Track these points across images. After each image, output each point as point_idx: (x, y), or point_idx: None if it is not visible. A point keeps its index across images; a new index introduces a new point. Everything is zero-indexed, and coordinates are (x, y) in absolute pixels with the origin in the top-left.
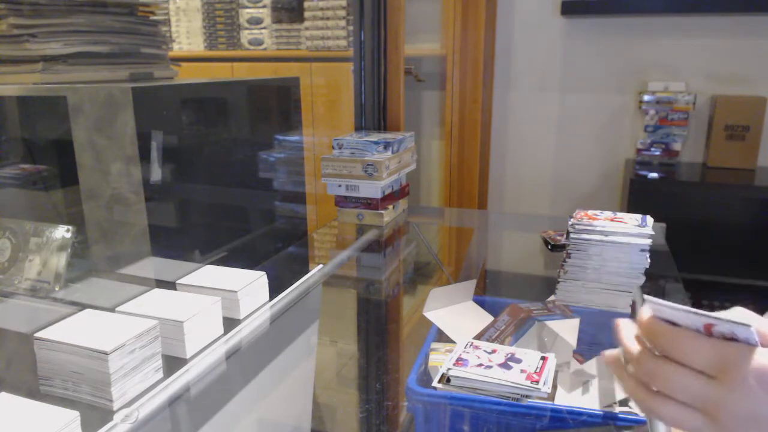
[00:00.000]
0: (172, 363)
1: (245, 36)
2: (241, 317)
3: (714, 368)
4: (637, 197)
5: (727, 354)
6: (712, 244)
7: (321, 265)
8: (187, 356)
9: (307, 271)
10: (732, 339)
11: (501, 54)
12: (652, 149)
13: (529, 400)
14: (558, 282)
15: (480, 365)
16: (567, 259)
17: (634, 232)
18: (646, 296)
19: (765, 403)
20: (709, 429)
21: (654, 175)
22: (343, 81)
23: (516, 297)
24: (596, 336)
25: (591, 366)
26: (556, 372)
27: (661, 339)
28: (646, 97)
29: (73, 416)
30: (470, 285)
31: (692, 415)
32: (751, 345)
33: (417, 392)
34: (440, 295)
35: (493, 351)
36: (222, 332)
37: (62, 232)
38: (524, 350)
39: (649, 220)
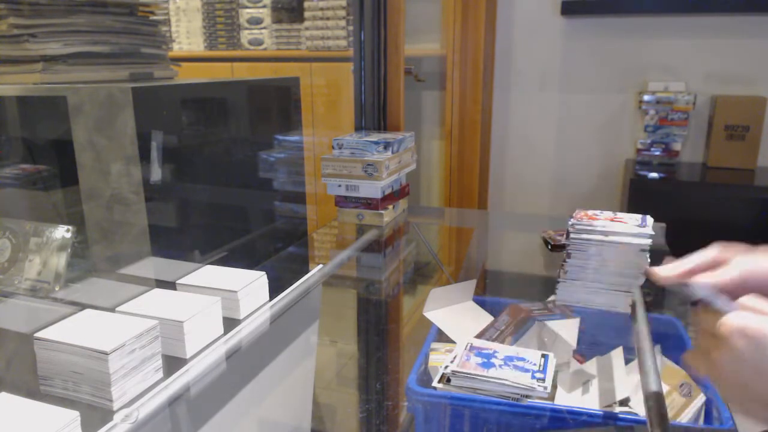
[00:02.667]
0: (172, 363)
1: (245, 36)
2: (241, 317)
3: (716, 331)
4: (637, 197)
5: (717, 323)
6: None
7: (321, 265)
8: (187, 356)
9: (307, 271)
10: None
11: (501, 54)
12: (652, 149)
13: (529, 400)
14: (558, 282)
15: (480, 365)
16: (567, 259)
17: (634, 232)
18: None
19: (747, 355)
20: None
21: (654, 175)
22: (343, 81)
23: (516, 297)
24: (596, 336)
25: (591, 366)
26: (556, 372)
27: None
28: (646, 97)
29: (73, 416)
30: (470, 285)
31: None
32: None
33: (417, 392)
34: (440, 295)
35: (493, 351)
36: (222, 332)
37: (62, 232)
38: (524, 350)
39: (649, 220)
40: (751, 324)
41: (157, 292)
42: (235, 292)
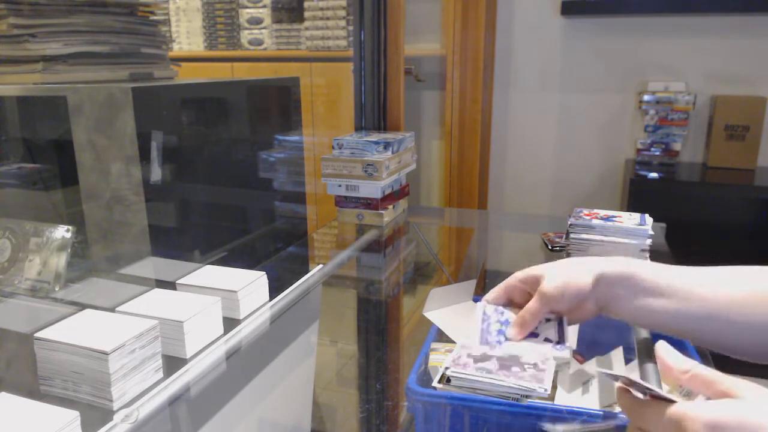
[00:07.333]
0: (172, 363)
1: (245, 36)
2: (241, 317)
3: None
4: (637, 197)
5: (677, 415)
6: (712, 244)
7: (321, 265)
8: (187, 356)
9: (307, 271)
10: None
11: (501, 54)
12: (652, 149)
13: (529, 400)
14: None
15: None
16: None
17: (634, 231)
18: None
19: None
20: None
21: (654, 175)
22: (343, 81)
23: None
24: (596, 336)
25: (591, 366)
26: (556, 372)
27: (629, 413)
28: (646, 97)
29: (73, 416)
30: (470, 285)
31: None
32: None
33: (417, 392)
34: (440, 295)
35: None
36: (222, 332)
37: (62, 232)
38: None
39: (649, 219)
40: (727, 416)
41: (157, 292)
42: (235, 292)
